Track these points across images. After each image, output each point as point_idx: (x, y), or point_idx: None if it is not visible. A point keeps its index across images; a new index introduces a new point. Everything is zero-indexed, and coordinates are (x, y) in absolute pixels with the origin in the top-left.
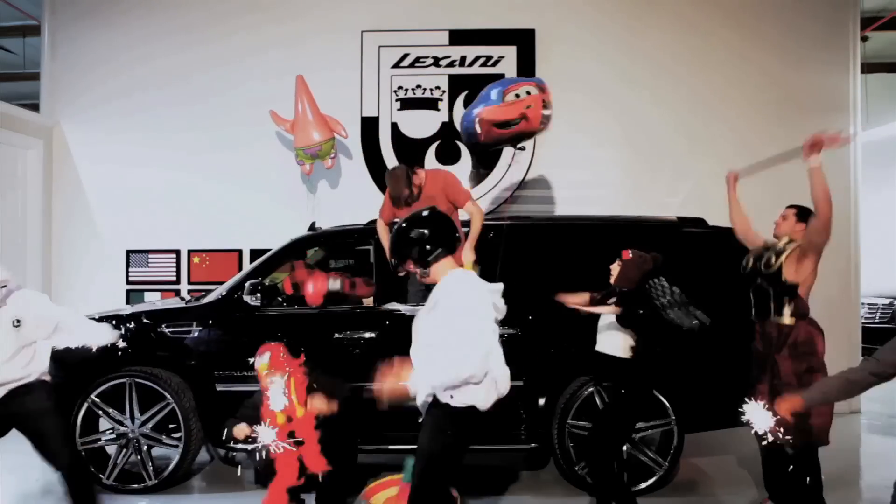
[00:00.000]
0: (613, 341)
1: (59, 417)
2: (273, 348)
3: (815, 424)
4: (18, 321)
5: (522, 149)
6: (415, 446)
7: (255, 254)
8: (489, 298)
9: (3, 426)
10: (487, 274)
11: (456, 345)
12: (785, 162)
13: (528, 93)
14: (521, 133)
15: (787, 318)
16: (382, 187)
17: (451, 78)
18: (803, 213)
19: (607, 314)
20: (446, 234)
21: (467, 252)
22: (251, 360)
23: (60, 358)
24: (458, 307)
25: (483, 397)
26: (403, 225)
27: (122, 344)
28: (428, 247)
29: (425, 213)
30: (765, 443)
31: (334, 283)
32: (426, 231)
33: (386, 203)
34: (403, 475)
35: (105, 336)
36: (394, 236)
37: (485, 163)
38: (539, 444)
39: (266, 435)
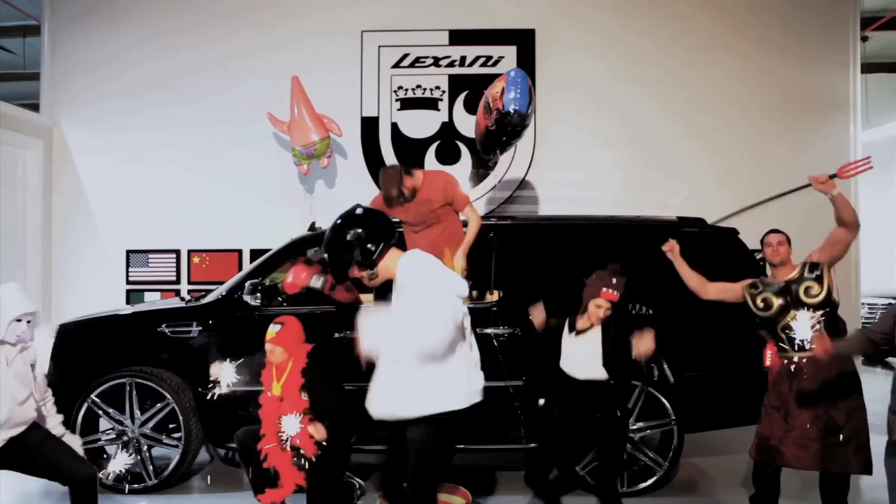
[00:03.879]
0: (594, 365)
1: (57, 439)
2: (289, 322)
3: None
4: (33, 365)
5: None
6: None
7: (255, 254)
8: (450, 283)
9: None
10: (486, 274)
11: (425, 317)
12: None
13: None
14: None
15: (840, 341)
16: None
17: (451, 78)
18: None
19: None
20: (383, 226)
21: (459, 258)
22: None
23: (60, 358)
24: (425, 288)
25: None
26: (337, 226)
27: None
28: (370, 245)
29: (358, 210)
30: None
31: (316, 281)
32: (362, 229)
33: (377, 200)
34: None
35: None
36: (328, 244)
37: (485, 163)
38: (539, 444)
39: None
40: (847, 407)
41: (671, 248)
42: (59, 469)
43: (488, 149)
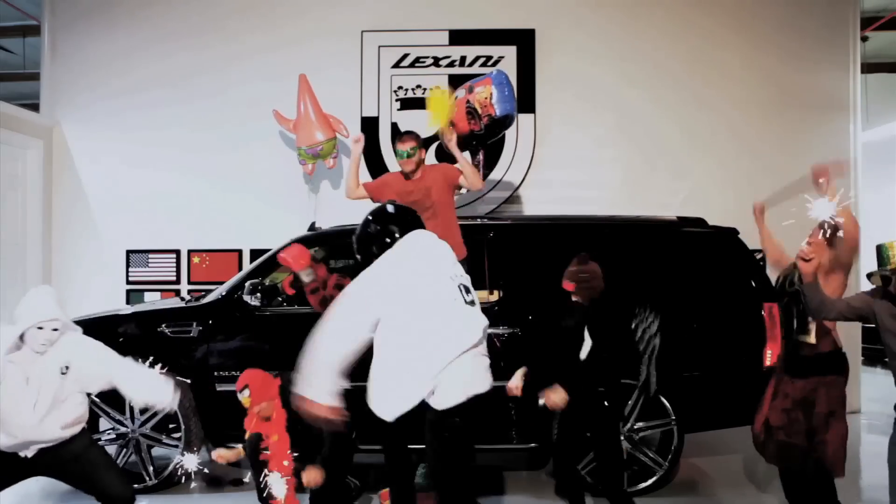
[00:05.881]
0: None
1: (99, 448)
2: (251, 379)
3: (829, 453)
4: (67, 368)
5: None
6: (414, 446)
7: (255, 254)
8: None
9: (28, 474)
10: (486, 274)
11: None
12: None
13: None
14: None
15: (811, 337)
16: None
17: (451, 78)
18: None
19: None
20: (408, 222)
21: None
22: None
23: None
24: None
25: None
26: (366, 220)
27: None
28: (388, 240)
29: (389, 207)
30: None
31: (307, 276)
32: (387, 224)
33: (382, 179)
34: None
35: (166, 394)
36: (357, 237)
37: (484, 162)
38: (539, 444)
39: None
40: (822, 409)
41: (761, 210)
42: (93, 485)
43: (467, 148)
